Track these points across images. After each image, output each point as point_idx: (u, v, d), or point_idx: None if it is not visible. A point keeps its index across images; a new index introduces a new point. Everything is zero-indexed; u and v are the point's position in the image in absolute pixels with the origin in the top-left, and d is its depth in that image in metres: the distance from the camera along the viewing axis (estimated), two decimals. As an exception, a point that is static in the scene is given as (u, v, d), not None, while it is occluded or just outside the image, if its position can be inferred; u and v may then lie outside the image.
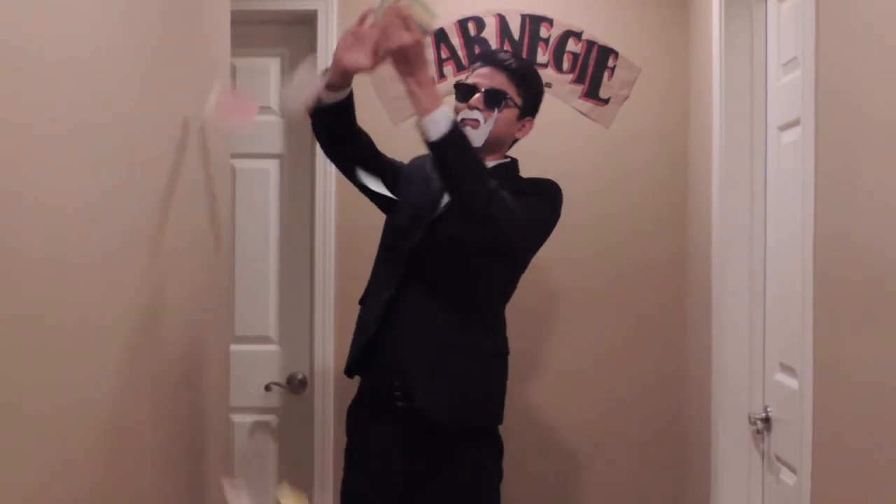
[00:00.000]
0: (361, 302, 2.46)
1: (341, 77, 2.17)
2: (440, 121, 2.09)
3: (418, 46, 2.04)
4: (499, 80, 2.35)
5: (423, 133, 2.11)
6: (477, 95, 2.33)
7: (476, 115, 2.33)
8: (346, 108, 2.25)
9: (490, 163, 2.37)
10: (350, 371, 2.42)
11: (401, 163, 2.50)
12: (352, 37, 2.11)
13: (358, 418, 2.43)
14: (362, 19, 2.11)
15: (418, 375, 2.27)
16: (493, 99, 2.34)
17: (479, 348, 2.34)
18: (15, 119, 1.20)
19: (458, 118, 2.32)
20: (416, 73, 2.07)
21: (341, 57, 2.12)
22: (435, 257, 2.30)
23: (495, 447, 2.39)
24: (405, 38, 2.02)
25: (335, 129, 2.30)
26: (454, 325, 2.30)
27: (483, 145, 2.32)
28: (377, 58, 2.09)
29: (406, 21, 2.01)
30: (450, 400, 2.28)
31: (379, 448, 2.33)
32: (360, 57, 2.10)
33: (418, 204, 2.36)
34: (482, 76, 2.36)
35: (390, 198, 2.38)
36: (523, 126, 2.41)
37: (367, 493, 2.36)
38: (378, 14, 2.07)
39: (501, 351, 2.40)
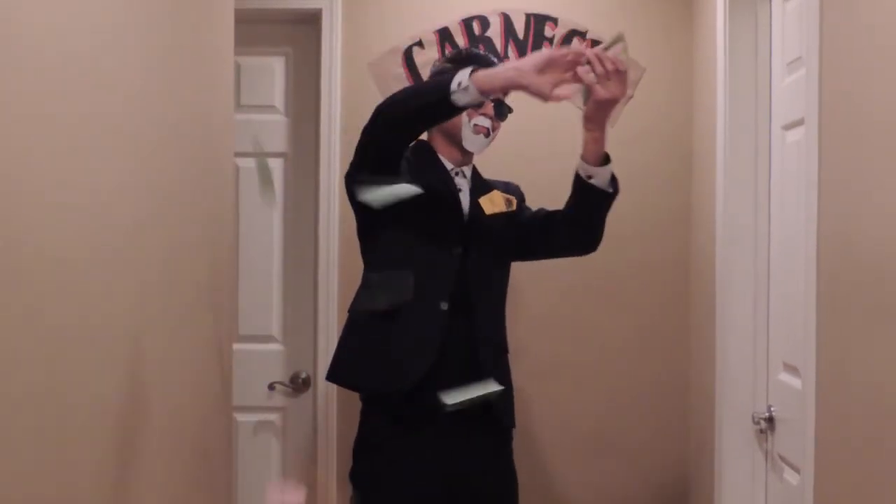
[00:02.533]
0: (381, 312, 2.25)
1: (504, 90, 2.09)
2: (609, 172, 2.18)
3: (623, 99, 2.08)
4: None
5: (593, 178, 2.17)
6: (488, 103, 2.29)
7: (489, 123, 2.32)
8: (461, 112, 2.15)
9: (469, 169, 2.41)
10: (402, 387, 2.22)
11: None
12: (548, 61, 1.95)
13: (395, 431, 2.27)
14: (571, 56, 1.97)
15: (490, 379, 2.24)
16: (502, 110, 2.35)
17: (506, 346, 2.43)
18: (17, 117, 1.20)
19: (471, 123, 2.31)
20: (605, 122, 2.11)
21: (531, 77, 1.94)
22: (477, 262, 2.30)
23: (512, 438, 2.45)
24: (621, 92, 2.01)
25: (432, 125, 2.27)
26: (500, 328, 2.38)
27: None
28: (558, 93, 1.97)
29: (624, 76, 1.99)
30: (510, 403, 2.38)
31: (429, 454, 2.25)
32: (546, 85, 1.94)
33: (442, 207, 2.31)
34: (581, 97, 2.28)
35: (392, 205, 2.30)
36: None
37: (416, 499, 2.26)
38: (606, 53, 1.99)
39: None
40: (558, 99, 1.97)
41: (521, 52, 3.19)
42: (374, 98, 3.18)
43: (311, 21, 3.24)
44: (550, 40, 3.19)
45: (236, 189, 3.17)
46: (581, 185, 2.22)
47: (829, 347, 1.84)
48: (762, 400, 2.57)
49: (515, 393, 2.44)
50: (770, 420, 2.47)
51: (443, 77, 2.07)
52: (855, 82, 1.73)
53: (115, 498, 1.57)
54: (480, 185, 2.41)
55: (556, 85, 1.95)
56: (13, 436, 1.20)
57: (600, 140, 2.13)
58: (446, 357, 2.23)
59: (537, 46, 3.19)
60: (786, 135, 2.43)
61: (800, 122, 2.21)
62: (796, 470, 2.23)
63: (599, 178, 2.18)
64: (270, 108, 3.30)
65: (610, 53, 1.98)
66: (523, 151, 3.17)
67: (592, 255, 3.19)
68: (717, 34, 2.74)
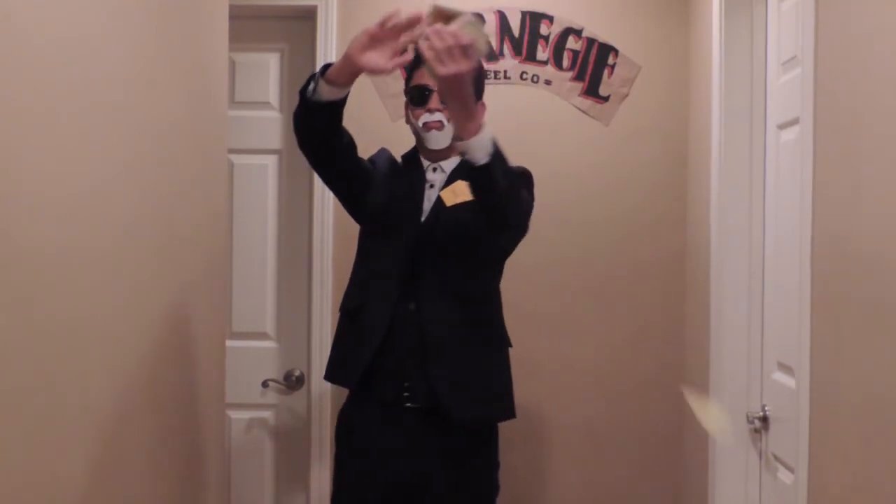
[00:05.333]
0: (351, 309, 2.36)
1: (350, 76, 2.08)
2: (486, 142, 2.02)
3: (472, 73, 1.95)
4: None
5: (467, 154, 2.03)
6: (433, 96, 2.29)
7: (438, 116, 2.30)
8: (340, 106, 2.16)
9: (453, 162, 2.38)
10: (349, 381, 2.35)
11: (368, 162, 2.43)
12: (369, 37, 2.00)
13: (358, 423, 2.36)
14: (384, 23, 2.00)
15: (445, 379, 2.24)
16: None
17: (492, 342, 2.36)
18: (12, 113, 1.19)
19: (420, 123, 2.30)
20: (463, 97, 1.98)
21: (357, 57, 2.01)
22: (435, 257, 2.29)
23: (496, 437, 2.40)
24: (463, 66, 1.90)
25: (323, 126, 2.20)
26: (468, 323, 2.30)
27: (450, 144, 2.34)
28: (396, 61, 2.00)
29: (465, 49, 1.89)
30: (476, 401, 2.29)
31: (385, 450, 2.29)
32: (379, 59, 1.99)
33: (403, 206, 2.34)
34: (430, 76, 2.29)
35: (363, 201, 2.36)
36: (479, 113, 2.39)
37: (372, 494, 2.31)
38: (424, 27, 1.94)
39: (507, 342, 2.41)
40: (399, 66, 2.00)
41: (517, 50, 3.19)
42: (369, 94, 3.19)
43: (306, 17, 3.24)
44: (546, 38, 3.19)
45: (230, 185, 3.16)
46: (464, 163, 2.10)
47: (823, 347, 1.84)
48: (756, 399, 2.57)
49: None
50: (764, 419, 2.47)
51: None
52: (850, 82, 1.73)
53: (107, 494, 1.57)
54: (461, 178, 2.35)
55: (394, 55, 1.99)
56: (3, 432, 1.19)
57: (458, 115, 2.00)
58: (396, 351, 2.27)
59: (533, 44, 3.18)
60: (780, 134, 2.43)
61: (795, 122, 2.21)
62: (790, 469, 2.23)
63: (472, 151, 2.02)
64: (265, 105, 3.30)
65: (453, 27, 1.90)
66: (523, 148, 3.16)
67: (587, 253, 3.21)
68: (713, 33, 2.74)
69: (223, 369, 2.46)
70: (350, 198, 2.41)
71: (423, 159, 2.41)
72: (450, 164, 2.38)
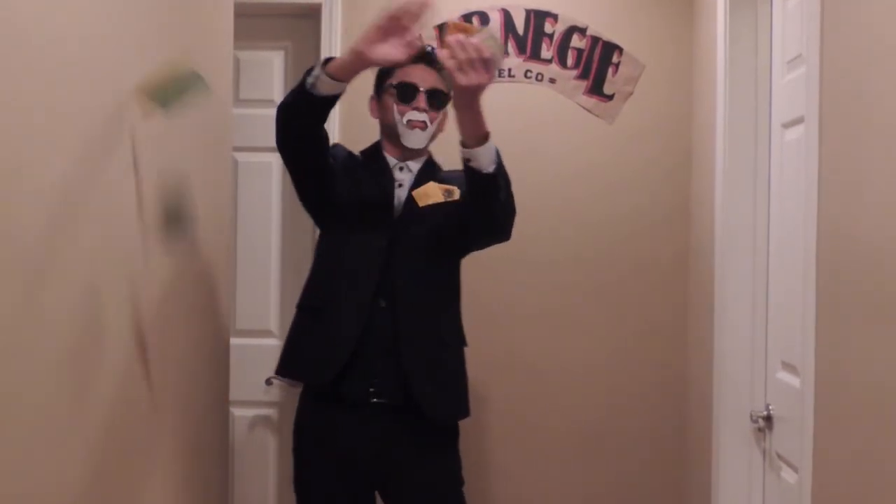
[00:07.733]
0: (315, 306, 2.34)
1: (356, 71, 2.10)
2: (492, 151, 2.08)
3: (489, 84, 1.99)
4: (433, 79, 2.31)
5: (472, 161, 2.07)
6: (420, 95, 2.30)
7: (423, 116, 2.30)
8: (336, 101, 2.19)
9: (419, 162, 2.39)
10: (321, 379, 2.31)
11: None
12: (379, 31, 2.01)
13: (322, 421, 2.35)
14: (394, 16, 2.00)
15: (418, 378, 2.25)
16: (437, 99, 2.32)
17: (455, 341, 2.38)
18: (13, 113, 1.19)
19: (404, 119, 2.30)
20: (475, 106, 2.01)
21: (368, 51, 2.02)
22: (406, 256, 2.29)
23: (458, 434, 2.41)
24: (483, 78, 1.94)
25: (315, 120, 2.21)
26: (437, 321, 2.32)
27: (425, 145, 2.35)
28: (410, 51, 2.02)
29: (486, 62, 1.93)
30: (447, 398, 2.32)
31: (352, 447, 2.30)
32: (391, 51, 2.01)
33: (373, 203, 2.34)
34: (419, 76, 2.31)
35: (328, 197, 2.35)
36: (444, 121, 2.39)
37: (338, 492, 2.33)
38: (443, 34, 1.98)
39: (464, 341, 2.43)
40: (412, 55, 2.03)
41: (521, 48, 3.18)
42: (369, 91, 3.18)
43: (310, 15, 3.24)
44: (550, 36, 3.19)
45: (234, 183, 3.17)
46: (465, 169, 2.13)
47: (828, 346, 1.84)
48: (760, 398, 2.57)
49: (513, 390, 2.42)
50: (768, 418, 2.47)
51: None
52: (855, 80, 1.72)
53: (110, 493, 1.57)
54: (427, 178, 2.37)
55: (407, 44, 2.00)
56: (6, 428, 1.19)
57: (468, 123, 2.04)
58: (367, 349, 2.26)
59: (537, 42, 3.18)
60: (785, 132, 2.43)
61: (800, 120, 2.21)
62: (794, 468, 2.22)
63: (477, 159, 2.07)
64: (269, 103, 3.29)
65: (475, 40, 1.93)
66: (527, 147, 3.16)
67: (590, 252, 3.20)
68: (718, 31, 2.74)
69: (227, 367, 2.46)
70: (316, 195, 2.37)
71: (387, 156, 2.40)
72: (416, 163, 2.39)
